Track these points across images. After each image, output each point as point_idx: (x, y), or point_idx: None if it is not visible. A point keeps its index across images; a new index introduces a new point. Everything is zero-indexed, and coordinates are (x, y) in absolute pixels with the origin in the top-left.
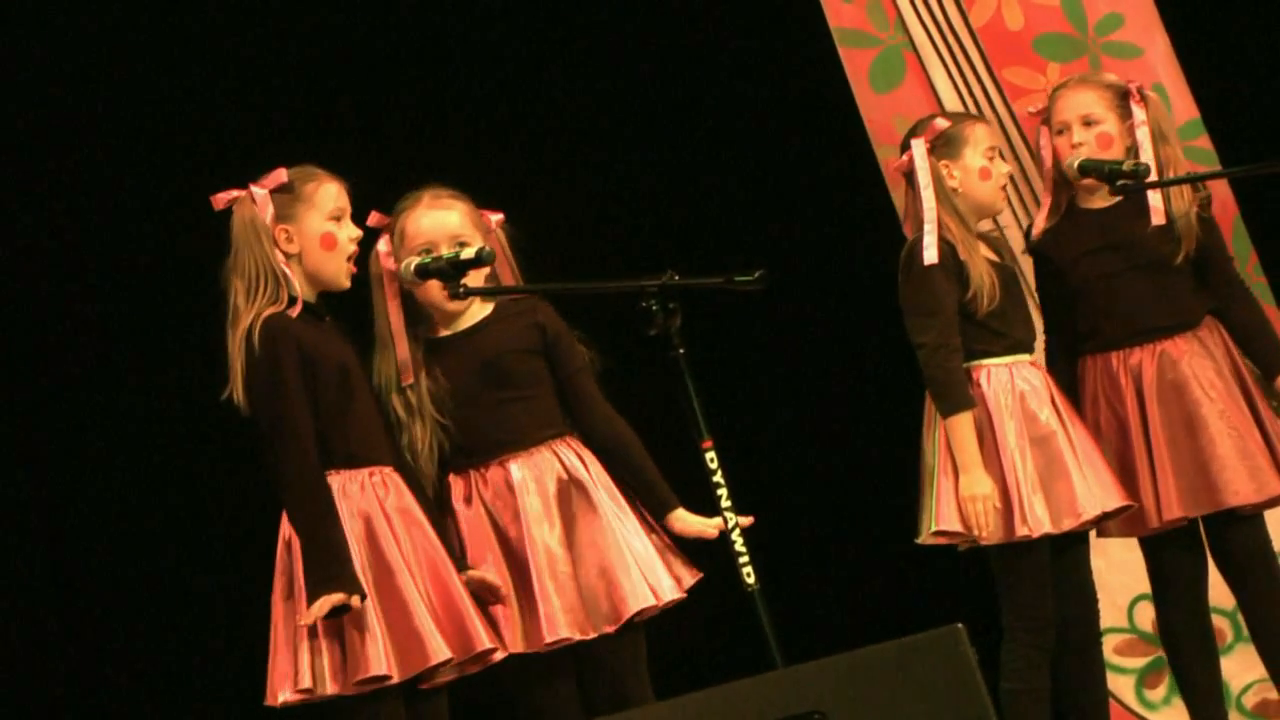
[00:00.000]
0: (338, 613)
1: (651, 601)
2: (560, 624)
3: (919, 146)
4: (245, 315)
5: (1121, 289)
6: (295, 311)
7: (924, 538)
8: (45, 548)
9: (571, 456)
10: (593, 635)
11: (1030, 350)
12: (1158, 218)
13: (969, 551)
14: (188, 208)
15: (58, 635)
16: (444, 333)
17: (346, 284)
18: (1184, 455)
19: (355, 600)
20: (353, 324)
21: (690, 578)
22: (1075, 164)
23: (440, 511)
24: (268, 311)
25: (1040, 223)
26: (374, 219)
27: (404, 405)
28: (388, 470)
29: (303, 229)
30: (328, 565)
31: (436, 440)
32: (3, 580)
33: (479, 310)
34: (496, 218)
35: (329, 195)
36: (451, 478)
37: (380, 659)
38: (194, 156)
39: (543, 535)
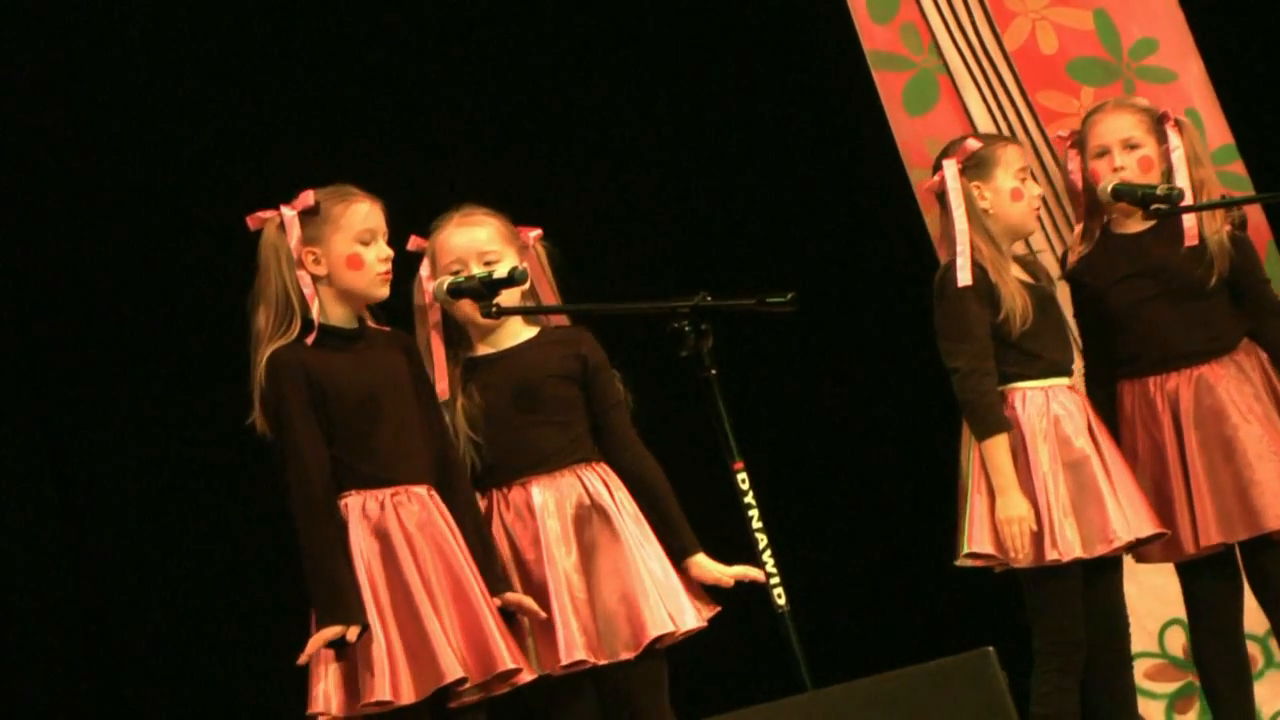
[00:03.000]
0: (337, 644)
1: (670, 628)
2: (577, 646)
3: (950, 167)
4: (263, 344)
5: (1155, 315)
6: (311, 338)
7: (960, 559)
8: (78, 565)
9: (596, 481)
10: (605, 661)
11: (1067, 374)
12: (1191, 239)
13: (1001, 574)
14: (236, 224)
15: (101, 651)
16: (484, 351)
17: (384, 293)
18: (1222, 480)
19: (352, 633)
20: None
21: (709, 610)
22: (1109, 188)
23: (484, 525)
24: (277, 343)
25: (1075, 248)
26: (414, 243)
27: None
28: (418, 489)
29: (329, 251)
30: (326, 598)
31: (470, 459)
32: (39, 594)
33: (521, 331)
34: (534, 234)
35: (357, 216)
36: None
37: (384, 685)
38: (243, 173)
39: (560, 559)
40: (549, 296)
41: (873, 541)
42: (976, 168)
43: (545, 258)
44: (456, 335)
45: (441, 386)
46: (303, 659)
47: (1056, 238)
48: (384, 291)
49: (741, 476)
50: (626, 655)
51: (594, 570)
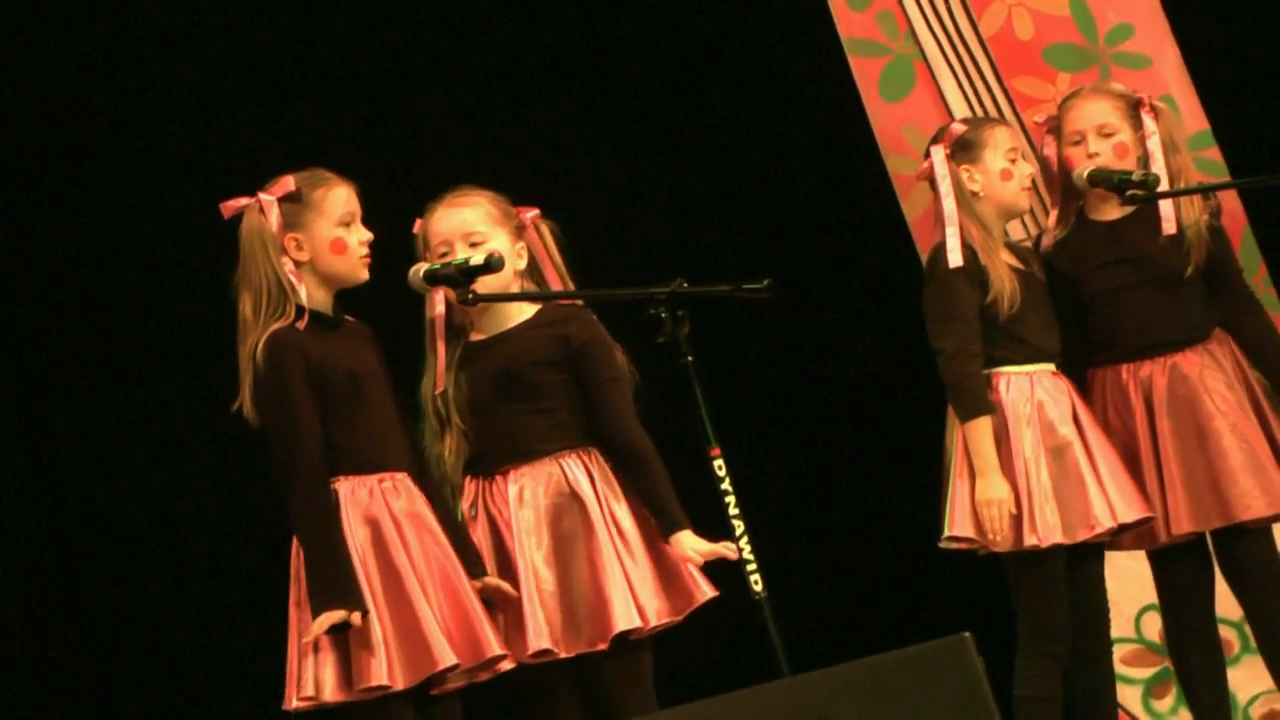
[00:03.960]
0: (340, 629)
1: (637, 624)
2: (543, 636)
3: (938, 153)
4: (253, 329)
5: (1133, 303)
6: (303, 323)
7: (941, 542)
8: (62, 553)
9: (577, 470)
10: (568, 653)
11: (1053, 360)
12: (1169, 227)
13: (983, 558)
14: (211, 211)
15: (75, 639)
16: (477, 337)
17: (364, 276)
18: (1195, 469)
19: (356, 617)
20: (384, 328)
21: (700, 596)
22: (1085, 174)
23: (455, 515)
24: (274, 326)
25: (1050, 232)
26: (419, 227)
27: (437, 415)
28: (400, 476)
29: (312, 236)
30: (330, 581)
31: (461, 448)
32: (18, 585)
33: (515, 315)
34: (532, 214)
35: (338, 200)
36: (467, 483)
37: (382, 669)
38: (224, 158)
39: (530, 549)
40: (552, 276)
41: (850, 527)
42: (965, 150)
43: (549, 237)
44: (460, 320)
45: (439, 377)
46: (309, 637)
47: (1032, 223)
48: (365, 275)
49: (718, 463)
50: (601, 645)
51: (568, 561)
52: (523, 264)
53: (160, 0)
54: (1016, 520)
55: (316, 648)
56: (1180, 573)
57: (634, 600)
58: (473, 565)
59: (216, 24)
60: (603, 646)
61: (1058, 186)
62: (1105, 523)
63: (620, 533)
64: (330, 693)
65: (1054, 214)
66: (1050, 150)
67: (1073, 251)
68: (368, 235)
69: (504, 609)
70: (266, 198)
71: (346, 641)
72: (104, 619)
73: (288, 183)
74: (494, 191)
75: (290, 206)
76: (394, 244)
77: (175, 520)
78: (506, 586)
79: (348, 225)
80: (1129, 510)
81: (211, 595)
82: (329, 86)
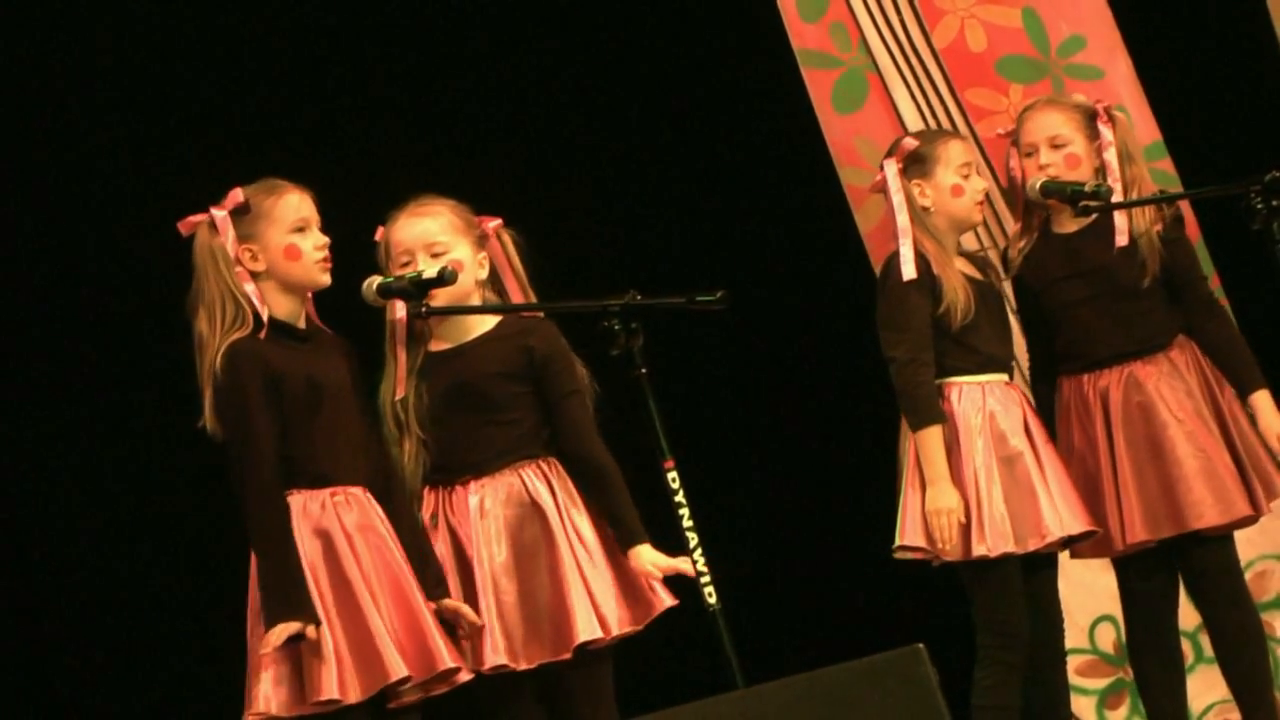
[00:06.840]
0: (294, 640)
1: (598, 634)
2: (500, 650)
3: (891, 168)
4: (210, 343)
5: (1089, 316)
6: (263, 333)
7: (895, 551)
8: (24, 565)
9: (537, 481)
10: (529, 665)
11: (1005, 370)
12: (1122, 238)
13: (939, 568)
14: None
15: (34, 654)
16: (439, 347)
17: (324, 281)
18: (1149, 478)
19: (310, 629)
20: (361, 340)
21: (660, 605)
22: (1037, 185)
23: (421, 531)
24: (234, 336)
25: (1016, 246)
26: (380, 236)
27: (396, 420)
28: (355, 490)
29: (266, 245)
30: (284, 593)
31: (421, 456)
32: None
33: (477, 326)
34: (494, 223)
35: (289, 207)
36: (426, 494)
37: (333, 683)
38: (194, 168)
39: (490, 560)
40: (514, 286)
41: (804, 538)
42: (917, 165)
43: (511, 247)
44: (420, 327)
45: (399, 384)
46: (265, 650)
47: (986, 235)
48: (325, 279)
49: (672, 475)
50: (560, 657)
51: (529, 572)
52: (484, 274)
53: (125, 8)
54: (965, 530)
55: (270, 662)
56: (1145, 583)
57: (595, 610)
58: (434, 585)
59: (179, 32)
60: (566, 656)
61: (1020, 198)
62: (1056, 532)
63: (581, 542)
64: (281, 708)
65: (1017, 226)
66: (1014, 162)
67: (1035, 264)
68: (323, 240)
69: (477, 629)
70: (218, 213)
71: (298, 655)
72: (53, 634)
73: (237, 195)
74: (455, 201)
75: (242, 219)
76: (355, 253)
77: (126, 529)
78: (465, 609)
79: (301, 231)
80: (1075, 522)
81: (163, 606)
82: (291, 96)
